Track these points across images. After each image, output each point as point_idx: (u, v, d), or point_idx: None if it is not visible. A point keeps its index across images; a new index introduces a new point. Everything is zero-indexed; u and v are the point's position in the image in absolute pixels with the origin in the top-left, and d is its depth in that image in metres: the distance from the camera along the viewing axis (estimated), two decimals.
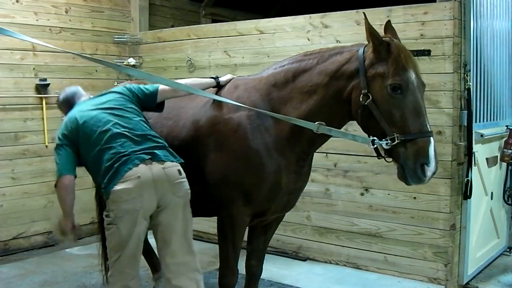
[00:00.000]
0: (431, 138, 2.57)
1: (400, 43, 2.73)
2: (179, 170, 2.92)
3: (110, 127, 2.89)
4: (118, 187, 2.78)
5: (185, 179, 2.94)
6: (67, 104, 3.29)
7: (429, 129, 2.60)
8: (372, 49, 2.70)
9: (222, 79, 3.30)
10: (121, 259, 2.85)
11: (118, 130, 2.89)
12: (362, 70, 2.69)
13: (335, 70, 2.83)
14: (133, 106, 3.10)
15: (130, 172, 2.78)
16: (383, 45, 2.66)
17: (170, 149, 2.99)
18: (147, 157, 2.84)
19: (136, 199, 2.78)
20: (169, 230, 2.88)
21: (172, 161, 2.91)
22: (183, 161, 2.98)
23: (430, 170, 2.54)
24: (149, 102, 3.18)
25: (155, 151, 2.89)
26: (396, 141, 2.56)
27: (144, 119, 3.08)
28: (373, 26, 2.70)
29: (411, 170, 2.56)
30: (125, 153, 2.83)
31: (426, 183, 2.63)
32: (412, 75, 2.63)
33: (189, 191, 2.96)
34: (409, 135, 2.56)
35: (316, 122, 2.75)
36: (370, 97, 2.64)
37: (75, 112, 3.06)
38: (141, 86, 3.23)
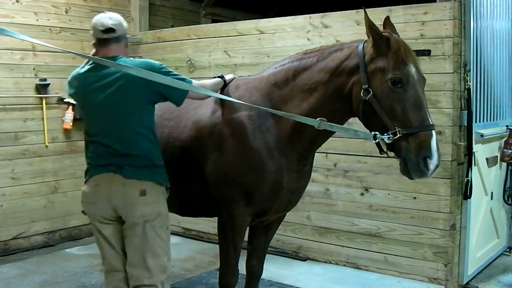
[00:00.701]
0: (433, 131, 2.57)
1: (400, 38, 2.74)
2: (142, 191, 2.75)
3: (100, 134, 2.79)
4: (83, 187, 2.90)
5: (149, 201, 2.78)
6: (106, 35, 2.81)
7: (431, 122, 2.60)
8: (372, 44, 2.70)
9: (226, 77, 3.27)
10: (105, 260, 2.92)
11: (103, 142, 2.78)
12: (362, 66, 2.70)
13: (336, 66, 2.83)
14: (140, 109, 2.76)
15: (94, 177, 2.83)
16: (382, 40, 2.67)
17: (152, 167, 2.80)
18: (113, 168, 2.77)
19: (90, 205, 2.87)
20: (126, 242, 2.87)
21: (139, 179, 2.75)
22: (157, 181, 2.82)
23: (432, 163, 2.54)
24: (173, 100, 2.87)
25: (127, 167, 2.76)
26: (398, 135, 2.56)
27: (145, 128, 2.79)
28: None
29: (414, 163, 2.56)
30: (98, 163, 2.83)
31: (429, 177, 2.63)
32: (412, 69, 2.63)
33: (154, 213, 2.80)
34: (411, 129, 2.56)
35: (318, 119, 2.74)
36: (371, 92, 2.64)
37: (86, 85, 2.78)
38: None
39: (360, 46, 2.77)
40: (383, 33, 2.70)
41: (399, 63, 2.61)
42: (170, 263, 2.93)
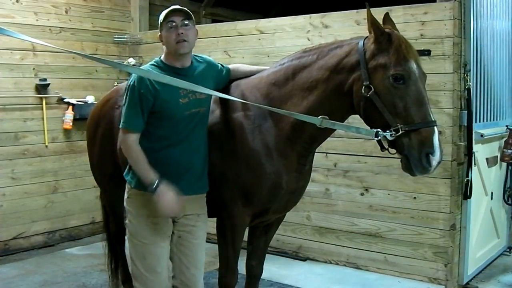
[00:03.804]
0: (435, 128, 2.56)
1: (400, 34, 2.73)
2: None
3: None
4: None
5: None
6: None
7: (433, 119, 2.59)
8: (373, 40, 2.69)
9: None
10: None
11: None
12: (363, 62, 2.68)
13: (335, 64, 2.82)
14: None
15: None
16: (384, 36, 2.65)
17: None
18: None
19: None
20: None
21: None
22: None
23: (435, 159, 2.52)
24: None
25: None
26: (400, 132, 2.55)
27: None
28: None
29: (416, 160, 2.55)
30: None
31: (431, 173, 2.62)
32: (414, 65, 2.63)
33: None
34: (413, 125, 2.54)
35: (319, 116, 2.73)
36: (372, 89, 2.62)
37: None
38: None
39: (360, 43, 2.75)
40: (385, 29, 2.70)
41: (401, 59, 2.60)
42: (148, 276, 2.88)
